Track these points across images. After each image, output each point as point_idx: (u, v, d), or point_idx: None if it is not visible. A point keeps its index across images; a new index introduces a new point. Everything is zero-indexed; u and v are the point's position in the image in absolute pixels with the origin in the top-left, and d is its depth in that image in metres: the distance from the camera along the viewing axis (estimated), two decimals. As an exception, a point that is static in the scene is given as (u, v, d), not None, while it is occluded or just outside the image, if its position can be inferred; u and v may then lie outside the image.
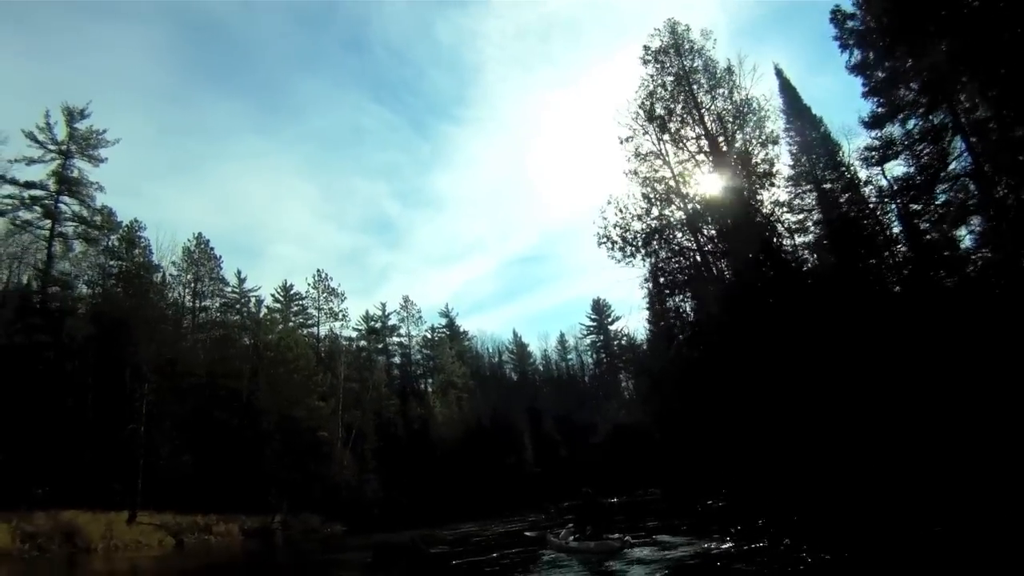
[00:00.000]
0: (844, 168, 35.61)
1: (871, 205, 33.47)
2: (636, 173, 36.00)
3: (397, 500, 58.04)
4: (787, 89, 38.91)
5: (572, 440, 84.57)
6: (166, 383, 49.47)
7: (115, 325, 47.20)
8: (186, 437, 48.61)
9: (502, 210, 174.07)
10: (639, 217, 34.83)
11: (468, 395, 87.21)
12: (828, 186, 36.38)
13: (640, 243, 34.39)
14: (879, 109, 30.85)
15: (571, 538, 19.66)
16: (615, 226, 34.74)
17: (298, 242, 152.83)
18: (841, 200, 35.33)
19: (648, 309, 47.54)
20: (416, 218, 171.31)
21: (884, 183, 32.05)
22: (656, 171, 35.78)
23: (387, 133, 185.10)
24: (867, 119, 31.35)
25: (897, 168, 31.26)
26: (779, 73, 39.26)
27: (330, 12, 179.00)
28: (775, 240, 32.39)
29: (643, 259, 34.70)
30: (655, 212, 34.94)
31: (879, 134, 31.28)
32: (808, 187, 36.94)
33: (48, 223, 53.29)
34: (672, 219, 35.14)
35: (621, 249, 34.32)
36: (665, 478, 48.69)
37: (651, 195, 35.34)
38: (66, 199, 54.43)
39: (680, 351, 37.98)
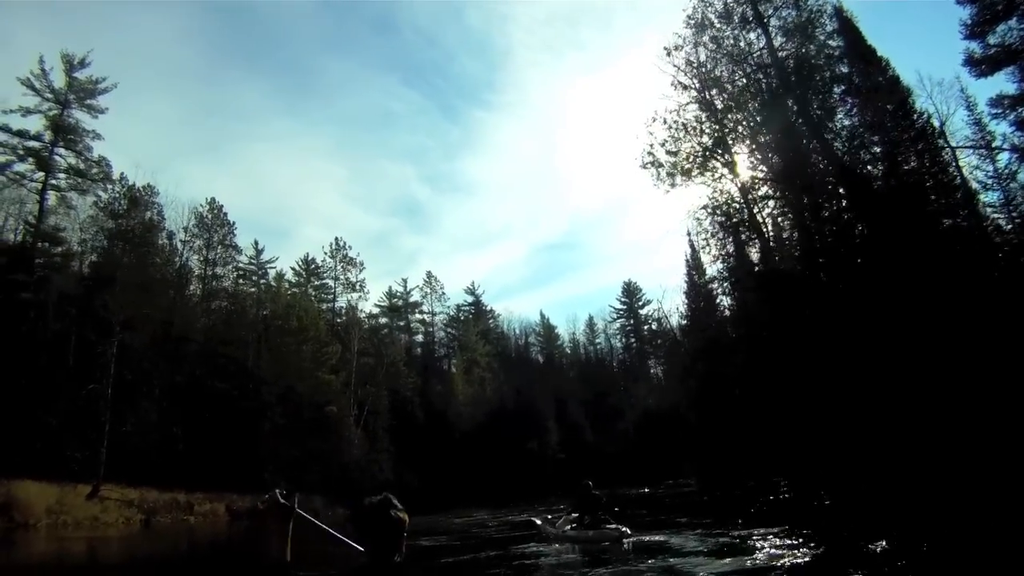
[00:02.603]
0: (917, 116, 30.66)
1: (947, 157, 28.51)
2: (685, 87, 31.43)
3: (409, 483, 54.03)
4: (849, 30, 33.86)
5: (599, 426, 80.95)
6: (158, 348, 45.89)
7: (103, 284, 43.32)
8: (178, 407, 44.78)
9: (531, 196, 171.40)
10: (692, 131, 30.21)
11: (491, 375, 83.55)
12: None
13: (695, 163, 29.82)
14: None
15: (568, 527, 19.48)
16: (662, 144, 30.43)
17: (326, 224, 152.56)
18: (912, 152, 30.40)
19: (686, 280, 43.72)
20: (445, 202, 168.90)
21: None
22: (710, 77, 31.12)
23: (416, 117, 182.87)
24: (972, 21, 26.38)
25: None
26: (838, 12, 34.17)
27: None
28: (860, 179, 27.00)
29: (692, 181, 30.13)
30: (707, 129, 30.26)
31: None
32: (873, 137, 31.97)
33: (41, 175, 49.69)
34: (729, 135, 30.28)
35: (670, 174, 29.94)
36: (700, 466, 44.42)
37: (705, 109, 30.68)
38: (61, 151, 50.87)
39: (726, 321, 33.54)
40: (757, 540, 14.78)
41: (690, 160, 30.32)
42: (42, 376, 38.37)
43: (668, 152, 30.60)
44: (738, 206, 31.08)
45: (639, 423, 76.69)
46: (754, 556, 12.92)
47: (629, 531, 17.70)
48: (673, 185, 30.87)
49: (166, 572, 18.84)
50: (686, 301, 48.25)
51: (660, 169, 30.50)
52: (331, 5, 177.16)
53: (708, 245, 34.07)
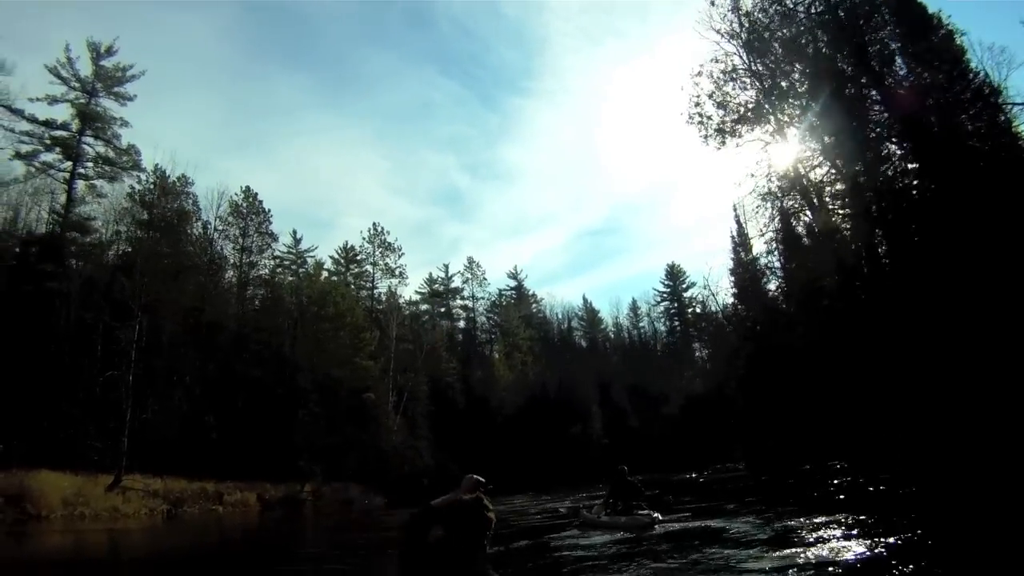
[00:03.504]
0: (973, 75, 28.37)
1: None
2: (733, 35, 29.65)
3: (449, 470, 52.89)
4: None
5: (643, 410, 79.22)
6: (189, 336, 45.14)
7: (126, 270, 42.62)
8: (211, 395, 43.97)
9: (572, 182, 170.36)
10: (740, 83, 28.43)
11: (533, 360, 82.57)
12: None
13: (744, 117, 28.05)
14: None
15: (602, 513, 19.58)
16: (709, 96, 28.75)
17: (369, 214, 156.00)
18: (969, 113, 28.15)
19: (732, 258, 42.16)
20: (485, 190, 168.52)
21: None
22: (757, 28, 29.27)
23: (455, 106, 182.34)
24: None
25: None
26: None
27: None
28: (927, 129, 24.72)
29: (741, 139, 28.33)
30: (755, 83, 28.45)
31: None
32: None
33: (69, 164, 49.11)
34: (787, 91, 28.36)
35: (719, 129, 28.25)
36: (750, 450, 42.74)
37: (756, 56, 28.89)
38: (89, 139, 50.22)
39: (777, 296, 31.78)
40: (812, 529, 13.57)
41: (740, 113, 28.57)
42: (67, 366, 37.59)
43: (716, 104, 28.91)
44: (788, 172, 29.38)
45: (684, 407, 75.03)
46: (809, 548, 11.65)
47: (660, 516, 17.93)
48: (723, 143, 29.25)
49: (177, 569, 17.69)
50: (732, 279, 46.54)
51: (708, 122, 28.82)
52: (367, 1, 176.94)
53: (756, 216, 32.48)
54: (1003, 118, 26.76)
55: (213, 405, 43.43)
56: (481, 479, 4.68)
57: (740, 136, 29.20)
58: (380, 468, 50.11)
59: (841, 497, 18.64)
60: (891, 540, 11.11)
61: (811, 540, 12.37)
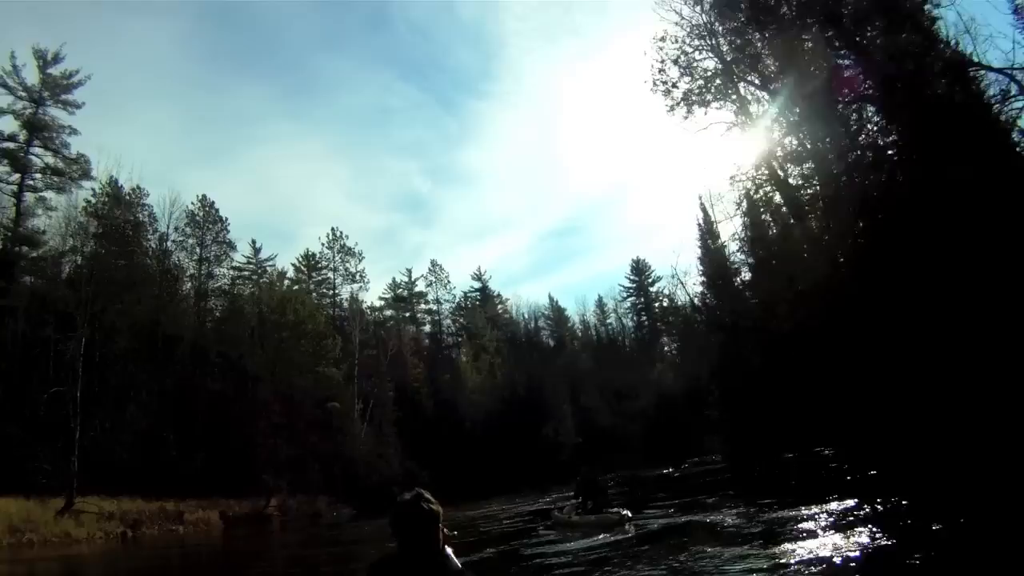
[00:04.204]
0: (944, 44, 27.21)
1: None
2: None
3: (418, 476, 51.87)
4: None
5: (615, 407, 78.45)
6: (145, 350, 43.77)
7: (74, 284, 41.14)
8: (169, 411, 42.59)
9: (533, 183, 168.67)
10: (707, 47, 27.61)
11: (501, 361, 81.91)
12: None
13: (712, 85, 27.24)
14: None
15: (573, 514, 20.20)
16: (674, 60, 27.87)
17: (331, 223, 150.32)
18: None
19: (700, 245, 41.65)
20: (447, 195, 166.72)
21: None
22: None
23: (414, 111, 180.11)
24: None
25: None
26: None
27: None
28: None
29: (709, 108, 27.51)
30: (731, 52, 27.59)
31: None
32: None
33: (17, 177, 47.57)
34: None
35: (685, 98, 27.36)
36: (727, 441, 42.21)
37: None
38: (37, 150, 48.68)
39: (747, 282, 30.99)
40: (799, 521, 13.27)
41: (706, 77, 27.70)
42: (15, 385, 36.09)
43: (682, 69, 27.97)
44: (757, 153, 28.57)
45: (657, 401, 74.06)
46: (796, 541, 11.33)
47: (630, 515, 18.45)
48: (690, 111, 28.26)
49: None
50: (701, 268, 45.97)
51: (675, 89, 27.86)
52: (325, 4, 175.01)
53: (723, 200, 31.77)
54: (975, 87, 25.98)
55: (172, 421, 42.11)
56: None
57: (707, 105, 28.27)
58: (347, 478, 49.03)
59: (825, 485, 17.97)
60: (879, 530, 10.81)
61: (796, 533, 12.07)
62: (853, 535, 10.84)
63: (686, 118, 28.20)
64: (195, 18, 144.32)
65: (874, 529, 11.02)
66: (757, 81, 28.07)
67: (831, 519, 12.66)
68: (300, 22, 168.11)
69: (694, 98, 27.78)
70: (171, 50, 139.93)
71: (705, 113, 28.61)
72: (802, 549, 10.52)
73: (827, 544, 10.61)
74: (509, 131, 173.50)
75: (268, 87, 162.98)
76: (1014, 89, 21.31)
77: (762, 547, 11.54)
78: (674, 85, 27.76)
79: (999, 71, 21.91)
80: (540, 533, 19.87)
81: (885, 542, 10.21)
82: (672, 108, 28.50)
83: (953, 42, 24.17)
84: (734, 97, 28.53)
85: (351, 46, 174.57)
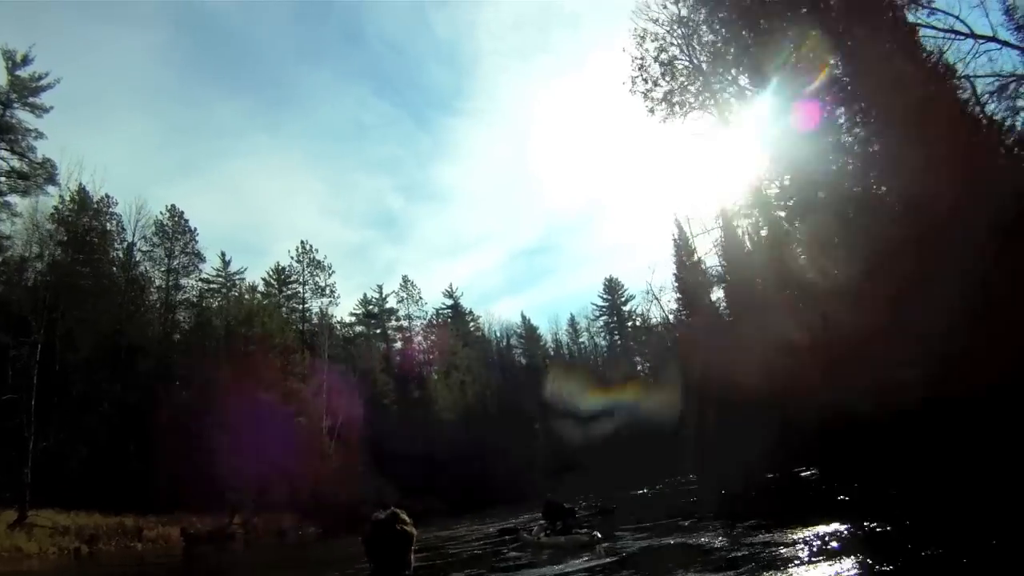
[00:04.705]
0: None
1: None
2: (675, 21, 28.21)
3: (387, 496, 50.80)
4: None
5: (587, 426, 77.81)
6: (108, 360, 42.57)
7: (33, 291, 39.99)
8: (132, 423, 41.44)
9: (506, 201, 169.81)
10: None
11: (473, 379, 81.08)
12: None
13: (692, 86, 26.66)
14: None
15: (542, 534, 20.54)
16: (655, 58, 27.33)
17: (304, 238, 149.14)
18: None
19: (675, 260, 41.40)
20: (420, 212, 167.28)
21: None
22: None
23: (388, 127, 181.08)
24: None
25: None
26: None
27: (326, 7, 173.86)
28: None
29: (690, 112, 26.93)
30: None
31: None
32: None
33: (-21, 181, 46.19)
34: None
35: (667, 99, 26.81)
36: (703, 461, 41.47)
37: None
38: (3, 152, 47.31)
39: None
40: (786, 544, 12.76)
41: (687, 75, 27.20)
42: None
43: (663, 67, 27.45)
44: (735, 166, 28.21)
45: (630, 421, 73.50)
46: (787, 567, 10.92)
47: (600, 535, 18.68)
48: (671, 112, 27.77)
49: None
50: (676, 284, 45.63)
51: (656, 88, 27.34)
52: (302, 19, 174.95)
53: (699, 215, 31.47)
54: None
55: (134, 433, 40.94)
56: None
57: (689, 106, 27.76)
58: (314, 496, 47.84)
59: (810, 507, 17.53)
60: (869, 554, 10.40)
61: (783, 556, 11.67)
62: (844, 559, 10.38)
63: (666, 120, 27.69)
64: (173, 30, 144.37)
65: (864, 554, 10.56)
66: (742, 81, 27.64)
67: (818, 542, 12.20)
68: (277, 37, 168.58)
69: (675, 99, 27.21)
70: (148, 61, 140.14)
71: (683, 121, 28.20)
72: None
73: (817, 569, 10.27)
74: (483, 148, 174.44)
75: (244, 100, 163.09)
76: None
77: (753, 572, 11.08)
78: (655, 83, 27.16)
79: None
80: (509, 555, 19.79)
81: (876, 567, 9.82)
82: (652, 109, 28.05)
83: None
84: (712, 103, 28.08)
85: (327, 61, 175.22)
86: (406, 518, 3.57)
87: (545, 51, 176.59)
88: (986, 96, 21.32)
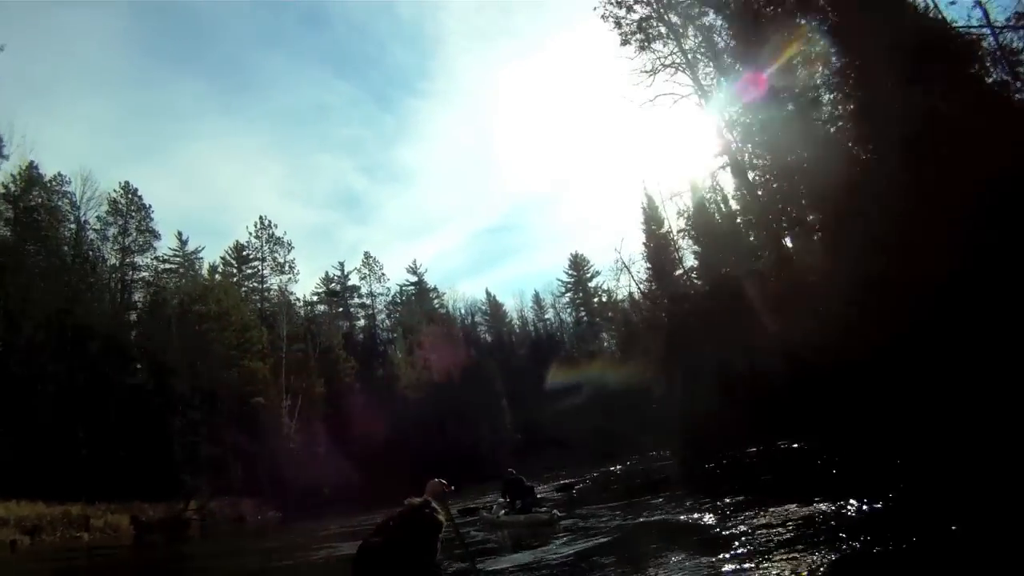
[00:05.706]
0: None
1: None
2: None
3: (349, 477, 49.45)
4: None
5: (555, 403, 77.00)
6: (54, 341, 40.75)
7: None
8: (81, 406, 39.59)
9: (470, 181, 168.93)
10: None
11: (437, 357, 78.91)
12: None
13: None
14: None
15: (501, 512, 20.62)
16: None
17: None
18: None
19: (645, 229, 40.26)
20: (383, 192, 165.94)
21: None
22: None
23: (351, 108, 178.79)
24: None
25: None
26: None
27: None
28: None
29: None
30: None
31: None
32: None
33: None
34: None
35: (642, 28, 25.44)
36: (676, 436, 40.46)
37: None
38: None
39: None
40: (769, 523, 11.46)
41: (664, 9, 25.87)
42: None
43: None
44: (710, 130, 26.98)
45: (598, 397, 72.75)
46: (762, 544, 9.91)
47: (559, 514, 18.64)
48: (646, 43, 26.36)
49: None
50: (644, 253, 44.64)
51: (630, 13, 25.93)
52: (263, 1, 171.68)
53: (668, 182, 30.33)
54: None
55: (82, 417, 39.14)
56: (443, 481, 4.40)
57: (665, 38, 26.38)
58: (274, 479, 46.52)
59: (797, 480, 16.20)
60: (865, 532, 9.19)
61: (767, 534, 10.51)
62: (837, 535, 9.37)
63: (637, 54, 26.22)
64: (130, 12, 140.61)
65: (860, 530, 9.43)
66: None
67: (810, 517, 11.07)
68: (237, 18, 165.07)
69: (651, 28, 25.73)
70: (105, 43, 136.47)
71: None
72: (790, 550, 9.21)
73: (811, 544, 9.30)
74: (446, 129, 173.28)
75: (204, 83, 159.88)
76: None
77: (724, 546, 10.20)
78: (630, 8, 25.67)
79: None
80: (471, 534, 18.98)
81: (871, 545, 8.71)
82: (626, 39, 26.60)
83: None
84: (687, 47, 26.69)
85: (288, 43, 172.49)
86: (436, 506, 3.62)
87: (508, 33, 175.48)
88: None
